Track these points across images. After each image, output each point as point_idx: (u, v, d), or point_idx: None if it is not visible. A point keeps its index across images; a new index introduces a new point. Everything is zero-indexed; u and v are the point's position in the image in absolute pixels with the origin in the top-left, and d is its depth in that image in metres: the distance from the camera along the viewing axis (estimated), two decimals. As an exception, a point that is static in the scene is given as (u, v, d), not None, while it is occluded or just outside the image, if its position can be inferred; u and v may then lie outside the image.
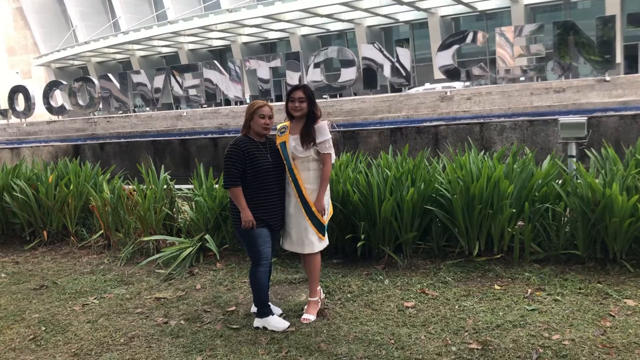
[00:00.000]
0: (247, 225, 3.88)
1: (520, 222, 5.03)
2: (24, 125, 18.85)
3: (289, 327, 3.94)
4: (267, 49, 37.62)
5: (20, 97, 20.14)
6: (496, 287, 4.41)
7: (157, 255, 5.65)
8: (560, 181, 5.07)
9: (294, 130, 4.05)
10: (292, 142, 4.01)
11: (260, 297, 4.00)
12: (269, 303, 4.07)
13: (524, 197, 4.92)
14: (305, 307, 4.18)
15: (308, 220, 4.00)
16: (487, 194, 4.82)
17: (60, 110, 19.81)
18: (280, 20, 31.89)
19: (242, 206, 3.89)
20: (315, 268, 4.14)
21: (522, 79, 16.14)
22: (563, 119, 5.49)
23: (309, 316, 4.07)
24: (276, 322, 3.97)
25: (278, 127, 4.14)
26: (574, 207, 4.75)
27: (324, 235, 4.10)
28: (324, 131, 4.00)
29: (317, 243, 4.07)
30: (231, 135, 12.31)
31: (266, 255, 3.98)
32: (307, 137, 3.96)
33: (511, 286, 4.40)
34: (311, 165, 4.02)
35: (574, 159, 5.43)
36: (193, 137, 11.74)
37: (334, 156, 4.11)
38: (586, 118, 5.37)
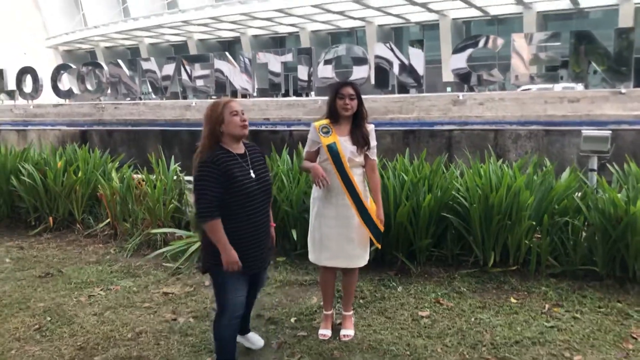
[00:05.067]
0: (232, 267, 3.03)
1: (536, 235, 4.94)
2: (31, 107, 18.72)
3: None
4: (276, 43, 37.45)
5: (28, 79, 19.99)
6: (512, 300, 4.32)
7: (165, 249, 5.56)
8: (579, 194, 4.98)
9: (340, 131, 3.64)
10: (347, 145, 3.60)
11: (221, 356, 3.24)
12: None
13: (543, 209, 4.82)
14: (342, 322, 3.87)
15: (365, 228, 3.63)
16: (506, 205, 4.72)
17: (68, 94, 19.66)
18: (291, 15, 31.71)
19: (222, 244, 3.00)
20: (354, 282, 3.89)
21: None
22: (586, 132, 5.39)
23: (349, 332, 3.79)
24: None
25: (316, 125, 3.65)
26: (594, 222, 4.65)
27: (380, 242, 3.79)
28: (374, 135, 3.70)
29: (363, 256, 3.75)
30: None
31: (234, 304, 3.15)
32: (362, 140, 3.60)
33: (528, 300, 4.31)
34: (356, 171, 3.65)
35: (595, 173, 5.33)
36: (202, 128, 11.61)
37: None
38: (610, 132, 5.29)
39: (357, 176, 3.65)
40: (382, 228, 3.74)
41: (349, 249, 3.68)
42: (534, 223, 4.76)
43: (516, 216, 4.72)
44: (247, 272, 3.14)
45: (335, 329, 3.87)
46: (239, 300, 3.16)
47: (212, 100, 3.29)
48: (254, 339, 3.69)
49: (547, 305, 4.17)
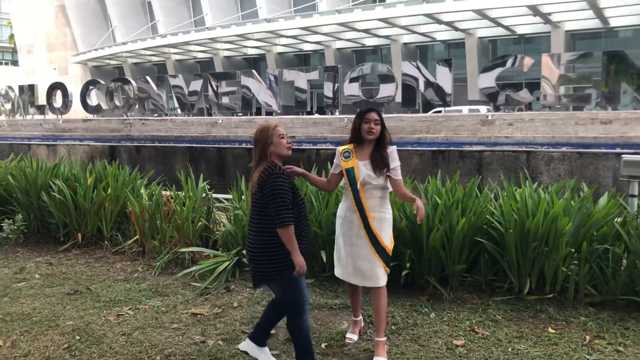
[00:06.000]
0: (303, 270, 3.35)
1: (573, 262, 4.79)
2: (60, 121, 19.05)
3: None
4: (301, 60, 37.66)
5: (58, 94, 20.41)
6: (550, 330, 4.17)
7: (193, 268, 5.52)
8: (619, 220, 4.82)
9: (362, 155, 3.82)
10: (364, 168, 3.76)
11: (310, 345, 3.53)
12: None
13: (582, 236, 4.67)
14: (375, 349, 3.81)
15: (374, 251, 3.75)
16: (543, 231, 4.59)
17: (96, 109, 20.02)
18: (317, 33, 31.89)
19: (295, 247, 3.32)
20: (383, 304, 3.83)
21: (558, 106, 15.81)
22: (627, 157, 5.24)
23: (381, 359, 3.71)
24: None
25: (340, 149, 3.89)
26: (635, 250, 4.49)
27: (389, 267, 3.86)
28: (396, 156, 3.82)
29: (382, 276, 3.80)
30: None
31: (307, 299, 3.53)
32: (381, 163, 3.74)
33: (567, 330, 4.16)
34: (376, 193, 3.80)
35: (636, 198, 5.17)
36: (229, 145, 11.71)
37: None
38: (651, 156, 5.13)
39: (375, 199, 3.80)
40: (389, 251, 3.84)
41: (367, 269, 3.79)
42: (572, 250, 4.61)
43: (553, 243, 4.59)
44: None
45: (367, 339, 3.83)
46: (307, 297, 3.52)
47: (260, 124, 3.64)
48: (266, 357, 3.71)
49: (587, 337, 4.02)
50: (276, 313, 3.65)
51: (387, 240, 3.83)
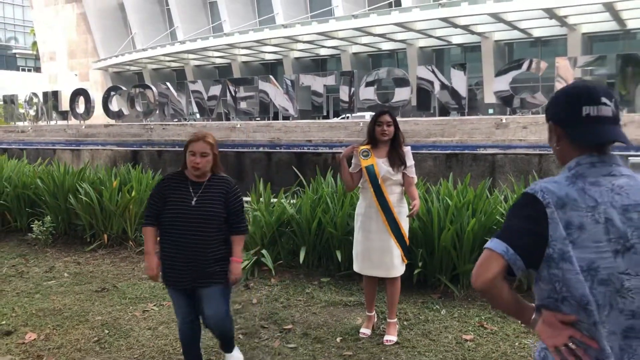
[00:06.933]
0: (146, 272, 3.44)
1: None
2: (83, 127, 19.51)
3: None
4: (317, 65, 37.93)
5: (81, 100, 20.88)
6: (557, 326, 4.32)
7: (214, 267, 5.75)
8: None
9: (380, 153, 4.12)
10: (383, 165, 4.06)
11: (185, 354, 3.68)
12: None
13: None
14: (386, 329, 4.24)
15: (395, 242, 4.04)
16: (551, 230, 4.74)
17: (118, 115, 20.46)
18: (333, 38, 32.16)
19: (146, 250, 3.44)
20: (397, 291, 4.22)
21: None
22: (633, 159, 5.37)
23: (392, 337, 4.12)
24: None
25: (359, 149, 4.15)
26: None
27: (406, 257, 4.18)
28: (411, 156, 4.15)
29: (400, 267, 4.14)
30: (283, 150, 12.48)
31: (177, 313, 3.57)
32: (398, 160, 4.06)
33: (573, 326, 4.30)
34: (395, 189, 4.10)
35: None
36: (247, 149, 11.98)
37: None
38: (658, 159, 5.26)
39: (395, 194, 4.10)
40: (407, 241, 4.16)
41: (387, 260, 4.08)
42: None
43: (561, 242, 4.73)
44: (169, 284, 3.48)
45: (380, 334, 4.17)
46: (179, 310, 3.52)
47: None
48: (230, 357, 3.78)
49: (592, 332, 4.16)
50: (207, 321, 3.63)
51: (406, 231, 4.15)
